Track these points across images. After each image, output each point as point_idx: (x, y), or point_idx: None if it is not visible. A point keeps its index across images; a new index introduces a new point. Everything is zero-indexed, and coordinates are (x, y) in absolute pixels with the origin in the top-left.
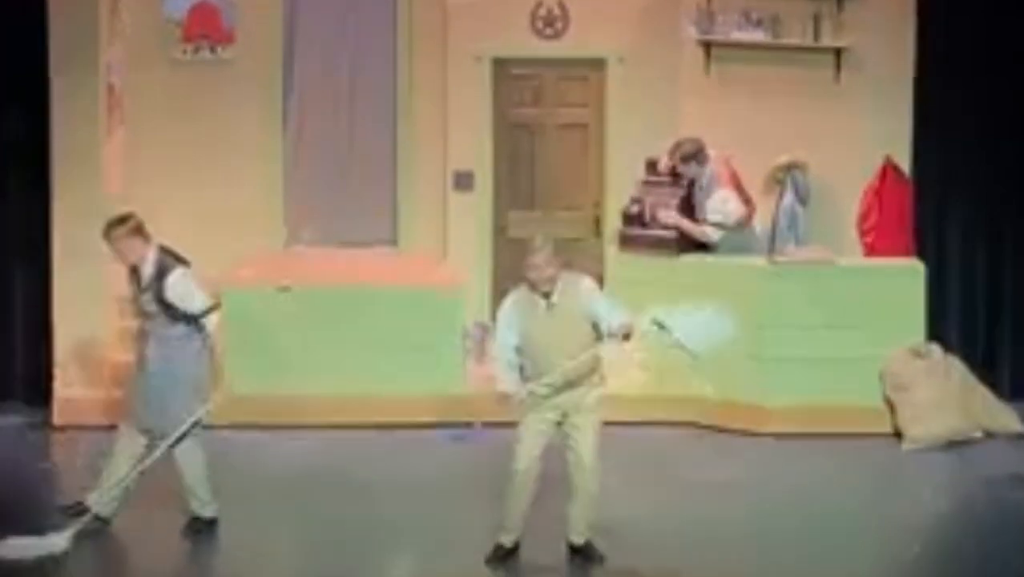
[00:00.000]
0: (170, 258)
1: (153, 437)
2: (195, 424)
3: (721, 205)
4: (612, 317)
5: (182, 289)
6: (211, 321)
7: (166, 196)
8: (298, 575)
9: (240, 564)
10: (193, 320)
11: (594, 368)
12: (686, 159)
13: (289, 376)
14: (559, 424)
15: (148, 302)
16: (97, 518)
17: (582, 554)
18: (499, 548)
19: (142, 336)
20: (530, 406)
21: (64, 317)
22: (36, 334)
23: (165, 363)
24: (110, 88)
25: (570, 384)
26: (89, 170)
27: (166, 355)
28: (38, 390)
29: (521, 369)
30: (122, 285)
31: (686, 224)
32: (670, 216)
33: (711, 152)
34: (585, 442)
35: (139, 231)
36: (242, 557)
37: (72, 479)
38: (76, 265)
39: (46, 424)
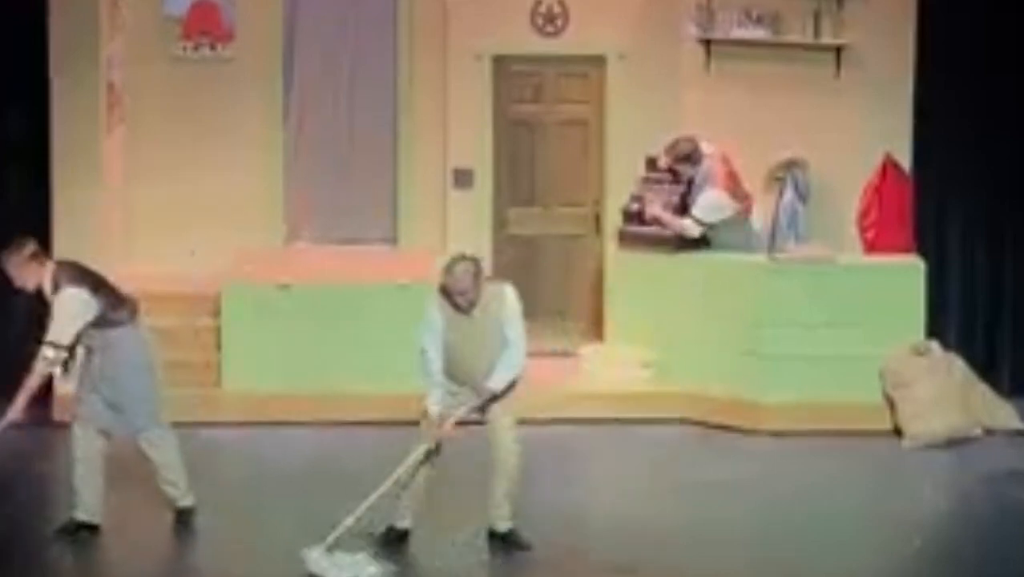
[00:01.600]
0: (66, 276)
1: (111, 436)
2: None
3: (708, 202)
4: (508, 350)
5: (56, 309)
6: (42, 356)
7: (166, 193)
8: (297, 571)
9: (239, 559)
10: (116, 322)
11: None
12: (680, 159)
13: (288, 373)
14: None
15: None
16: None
17: (505, 541)
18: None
19: (87, 351)
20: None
21: None
22: (36, 331)
23: (113, 368)
24: (110, 86)
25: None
26: (89, 167)
27: (111, 360)
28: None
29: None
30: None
31: (666, 217)
32: (653, 209)
33: (707, 149)
34: (504, 424)
35: (36, 256)
36: (240, 552)
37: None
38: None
39: (46, 421)
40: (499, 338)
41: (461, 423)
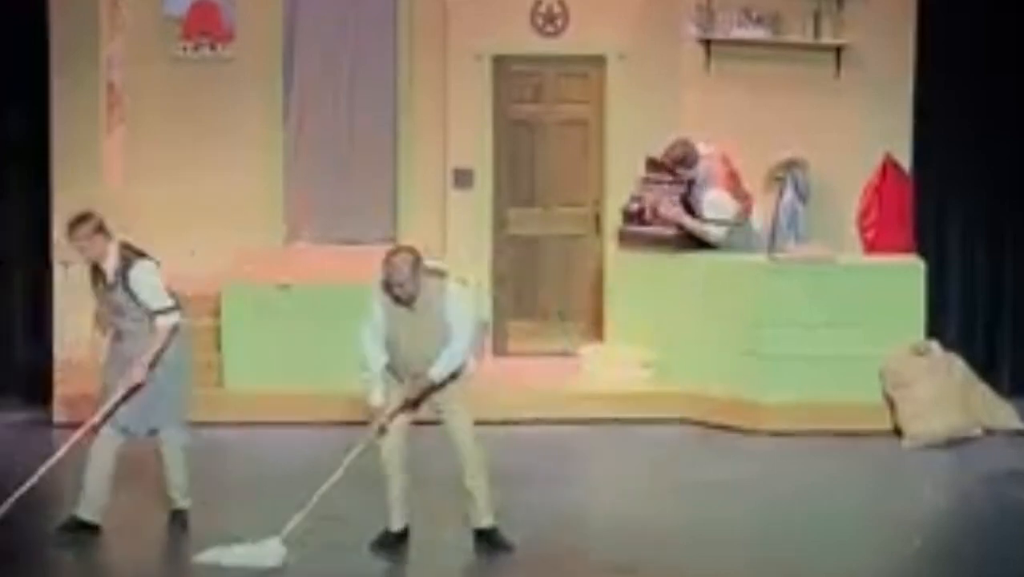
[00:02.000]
0: (133, 252)
1: (131, 436)
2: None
3: (711, 203)
4: (450, 340)
5: (144, 281)
6: (163, 320)
7: (166, 193)
8: (296, 571)
9: None
10: (158, 313)
11: (456, 373)
12: (675, 162)
13: (288, 373)
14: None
15: (119, 298)
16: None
17: (487, 539)
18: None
19: (117, 337)
20: (391, 416)
21: (64, 314)
22: (36, 331)
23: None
24: (110, 86)
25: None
26: (89, 167)
27: (145, 349)
28: (38, 388)
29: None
30: None
31: (688, 221)
32: (672, 210)
33: (706, 150)
34: (458, 425)
35: (102, 228)
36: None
37: (72, 478)
38: (76, 262)
39: (46, 422)
40: (442, 332)
41: (416, 422)
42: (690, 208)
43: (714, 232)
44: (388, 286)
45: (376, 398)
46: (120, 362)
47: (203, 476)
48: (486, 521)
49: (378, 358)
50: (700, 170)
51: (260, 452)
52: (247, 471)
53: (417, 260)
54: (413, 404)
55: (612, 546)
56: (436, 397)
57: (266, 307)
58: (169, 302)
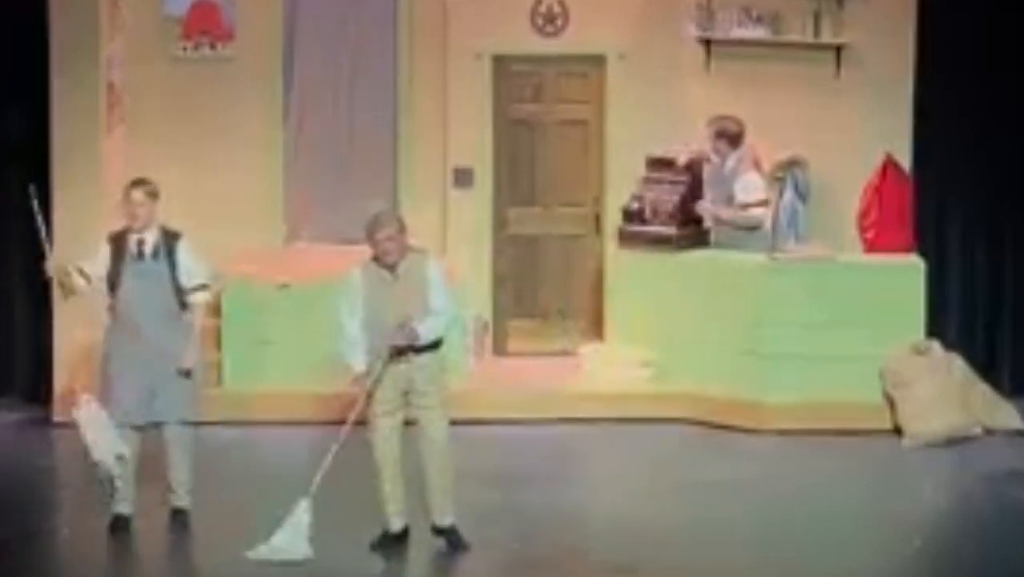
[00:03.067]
0: (171, 231)
1: (146, 429)
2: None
3: (750, 186)
4: (433, 313)
5: (192, 255)
6: (202, 296)
7: (166, 193)
8: (296, 571)
9: (239, 559)
10: (199, 288)
11: (437, 342)
12: (721, 135)
13: (288, 373)
14: (404, 401)
15: (157, 270)
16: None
17: (445, 536)
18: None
19: (130, 322)
20: (376, 379)
21: (64, 314)
22: (36, 330)
23: (165, 343)
24: (110, 86)
25: (411, 351)
26: (89, 167)
27: (165, 335)
28: (38, 387)
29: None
30: None
31: (724, 212)
32: (705, 208)
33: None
34: (430, 417)
35: (156, 196)
36: (240, 552)
37: (72, 476)
38: (76, 262)
39: (46, 421)
40: (422, 304)
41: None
42: (695, 200)
43: (757, 214)
44: (375, 247)
45: (358, 364)
46: (130, 351)
47: (203, 476)
48: (448, 520)
49: (352, 326)
50: (735, 154)
51: (260, 452)
52: (247, 471)
53: (402, 221)
54: (396, 353)
55: (612, 546)
56: (415, 397)
57: (266, 307)
58: (207, 280)
